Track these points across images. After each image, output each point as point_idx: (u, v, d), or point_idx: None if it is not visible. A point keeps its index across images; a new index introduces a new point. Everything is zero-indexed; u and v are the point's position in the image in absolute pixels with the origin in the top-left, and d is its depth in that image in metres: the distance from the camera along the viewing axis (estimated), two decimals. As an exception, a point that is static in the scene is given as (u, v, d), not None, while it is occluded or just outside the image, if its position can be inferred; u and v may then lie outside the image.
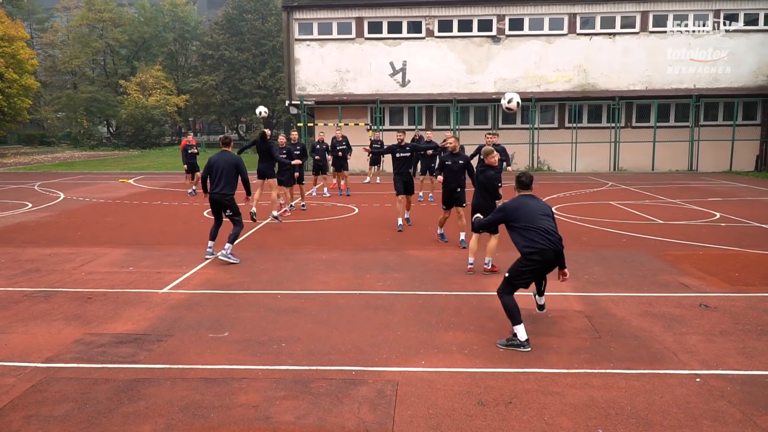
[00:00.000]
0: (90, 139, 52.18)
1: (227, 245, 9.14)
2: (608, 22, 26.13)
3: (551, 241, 5.68)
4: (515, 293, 5.81)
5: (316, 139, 17.44)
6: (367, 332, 6.18)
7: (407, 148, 11.96)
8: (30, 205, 16.03)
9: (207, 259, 9.39)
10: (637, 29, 25.93)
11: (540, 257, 5.67)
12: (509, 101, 9.34)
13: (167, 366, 5.33)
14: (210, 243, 9.56)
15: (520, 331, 5.63)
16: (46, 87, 55.03)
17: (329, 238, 11.19)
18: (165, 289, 7.74)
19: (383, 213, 14.36)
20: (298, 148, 14.48)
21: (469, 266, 8.58)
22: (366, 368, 5.26)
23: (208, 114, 55.41)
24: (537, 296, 6.49)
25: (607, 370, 5.20)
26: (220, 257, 9.17)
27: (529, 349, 5.59)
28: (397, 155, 11.81)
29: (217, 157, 9.30)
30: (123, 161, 35.31)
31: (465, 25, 26.62)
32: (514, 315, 5.65)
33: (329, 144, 17.42)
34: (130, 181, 23.06)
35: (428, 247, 10.38)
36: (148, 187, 20.65)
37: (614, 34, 26.04)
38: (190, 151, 18.29)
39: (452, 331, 6.20)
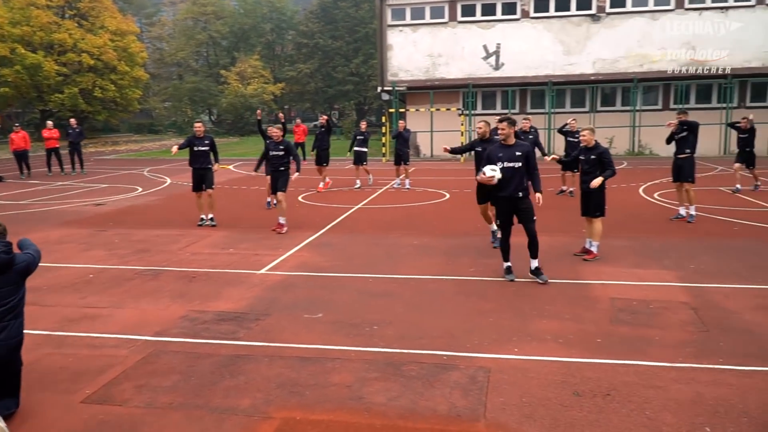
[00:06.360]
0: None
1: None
2: (721, -6, 24.23)
3: None
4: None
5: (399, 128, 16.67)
6: (459, 318, 6.14)
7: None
8: (140, 189, 17.14)
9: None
10: (753, 2, 23.87)
11: None
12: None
13: (265, 344, 5.54)
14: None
15: None
16: (154, 78, 58.39)
17: (419, 224, 11.18)
18: (262, 270, 8.04)
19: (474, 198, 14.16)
20: (281, 147, 11.04)
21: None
22: (458, 353, 5.23)
23: (303, 102, 56.83)
24: None
25: (716, 366, 4.87)
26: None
27: None
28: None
29: None
30: (223, 148, 36.79)
31: (562, 4, 25.59)
32: None
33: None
34: (230, 167, 24.08)
35: (520, 234, 10.11)
36: (245, 172, 21.47)
37: (727, 8, 24.12)
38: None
39: (547, 319, 6.03)
